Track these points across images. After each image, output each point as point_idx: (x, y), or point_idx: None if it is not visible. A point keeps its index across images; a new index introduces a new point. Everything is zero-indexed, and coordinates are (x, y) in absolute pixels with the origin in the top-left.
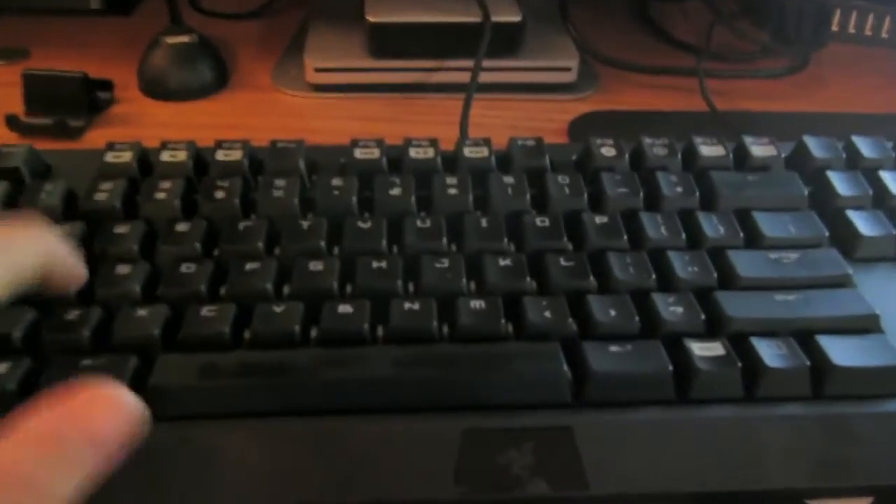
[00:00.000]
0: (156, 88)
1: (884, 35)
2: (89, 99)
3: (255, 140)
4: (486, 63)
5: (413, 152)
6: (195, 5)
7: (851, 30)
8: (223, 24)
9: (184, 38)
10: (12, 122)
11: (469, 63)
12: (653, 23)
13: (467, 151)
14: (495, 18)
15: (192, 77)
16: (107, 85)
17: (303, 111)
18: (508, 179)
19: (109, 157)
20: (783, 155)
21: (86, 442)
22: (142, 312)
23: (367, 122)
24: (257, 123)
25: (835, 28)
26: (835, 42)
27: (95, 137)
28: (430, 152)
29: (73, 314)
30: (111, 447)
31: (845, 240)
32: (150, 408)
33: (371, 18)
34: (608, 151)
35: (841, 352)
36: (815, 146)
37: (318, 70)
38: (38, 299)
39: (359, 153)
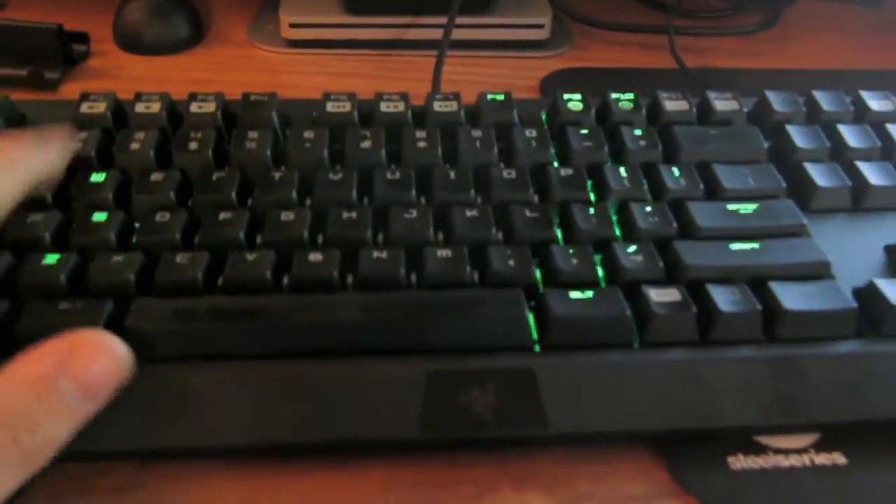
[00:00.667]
0: (131, 42)
1: None
2: (64, 51)
3: (231, 95)
4: (460, 20)
5: (384, 106)
6: None
7: None
8: None
9: None
10: None
11: (443, 20)
12: None
13: (437, 106)
14: None
15: (167, 31)
16: (82, 37)
17: (278, 66)
18: (477, 133)
19: (84, 108)
20: (745, 109)
21: (78, 388)
22: (117, 258)
23: (341, 78)
24: (232, 78)
25: None
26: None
27: (71, 90)
28: (401, 106)
29: (50, 260)
30: (101, 393)
31: (802, 191)
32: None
33: None
34: (575, 106)
35: (792, 297)
36: (776, 101)
37: (293, 26)
38: (15, 243)
39: (330, 106)
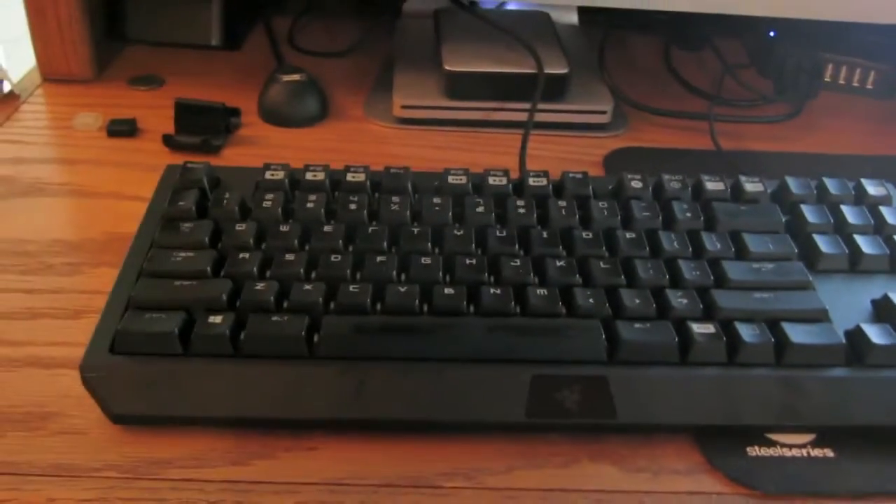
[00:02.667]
0: (273, 116)
1: (869, 86)
2: (225, 123)
3: (353, 161)
4: (539, 106)
5: (491, 179)
6: (292, 43)
7: (842, 81)
8: (315, 60)
9: (296, 77)
10: (168, 140)
11: (525, 105)
12: (674, 71)
13: (531, 181)
14: (547, 70)
15: (302, 109)
16: (236, 112)
17: (389, 139)
18: (562, 203)
19: (268, 175)
20: (769, 190)
21: None
22: (307, 287)
23: (441, 151)
24: (353, 148)
25: (827, 79)
26: (827, 91)
27: (230, 154)
28: (504, 180)
29: (261, 285)
30: None
31: (811, 256)
32: (320, 351)
33: (448, 67)
34: (636, 184)
35: (797, 333)
36: (794, 184)
37: (404, 107)
38: (230, 275)
39: (450, 178)
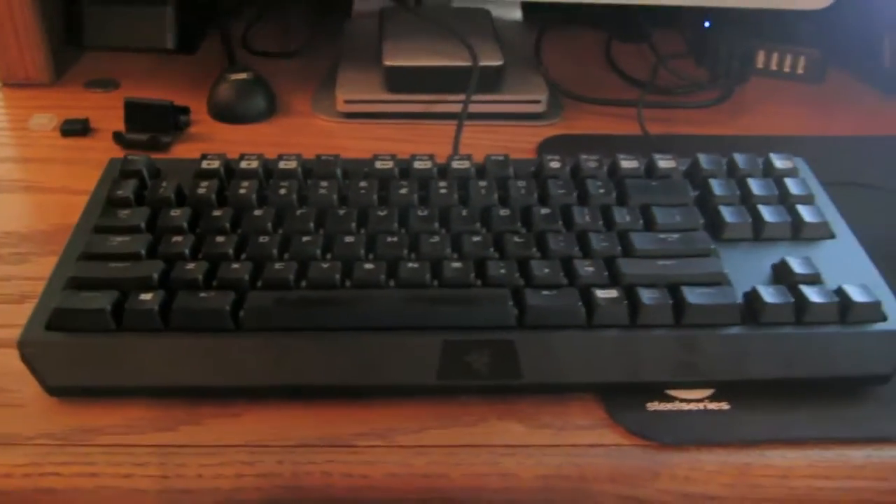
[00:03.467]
0: (222, 114)
1: (800, 72)
2: (174, 121)
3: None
4: (475, 97)
5: (417, 164)
6: (246, 45)
7: (773, 67)
8: (268, 61)
9: (243, 75)
10: (118, 137)
11: (463, 97)
12: (613, 62)
13: (454, 164)
14: (482, 63)
15: (250, 106)
16: (185, 110)
17: (334, 133)
18: (483, 184)
19: (204, 164)
20: (682, 168)
21: None
22: (235, 265)
23: (382, 142)
24: (300, 141)
25: (760, 66)
26: (760, 78)
27: (179, 150)
28: (429, 164)
29: (191, 265)
30: None
31: (717, 226)
32: (244, 323)
33: (387, 62)
34: (555, 164)
35: (695, 295)
36: (705, 161)
37: (346, 101)
38: (164, 256)
39: (378, 164)
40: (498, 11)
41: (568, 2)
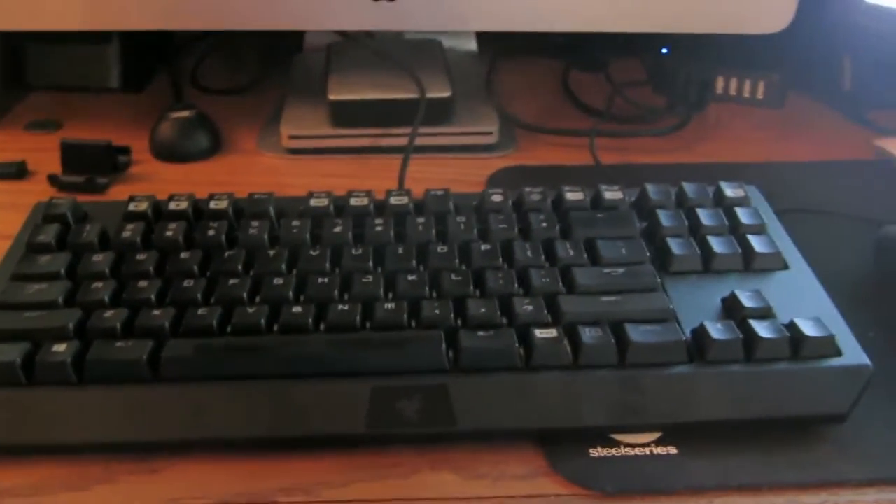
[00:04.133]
0: (163, 153)
1: (759, 96)
2: (112, 162)
3: (242, 193)
4: (423, 130)
5: (353, 201)
6: (195, 83)
7: (732, 93)
8: (218, 99)
9: (185, 113)
10: (53, 179)
11: (410, 130)
12: (570, 92)
13: (392, 199)
14: (429, 95)
15: (192, 144)
16: (125, 150)
17: (279, 170)
18: (421, 220)
19: (131, 206)
20: (629, 198)
21: None
22: (156, 312)
23: (329, 178)
24: (243, 180)
25: (719, 92)
26: (719, 104)
27: (117, 192)
28: (366, 200)
29: (109, 313)
30: None
31: (664, 258)
32: (163, 374)
33: (332, 96)
34: (497, 198)
35: (638, 333)
36: (652, 191)
37: (291, 137)
38: (82, 304)
39: (313, 202)
40: (452, 42)
41: (522, 31)
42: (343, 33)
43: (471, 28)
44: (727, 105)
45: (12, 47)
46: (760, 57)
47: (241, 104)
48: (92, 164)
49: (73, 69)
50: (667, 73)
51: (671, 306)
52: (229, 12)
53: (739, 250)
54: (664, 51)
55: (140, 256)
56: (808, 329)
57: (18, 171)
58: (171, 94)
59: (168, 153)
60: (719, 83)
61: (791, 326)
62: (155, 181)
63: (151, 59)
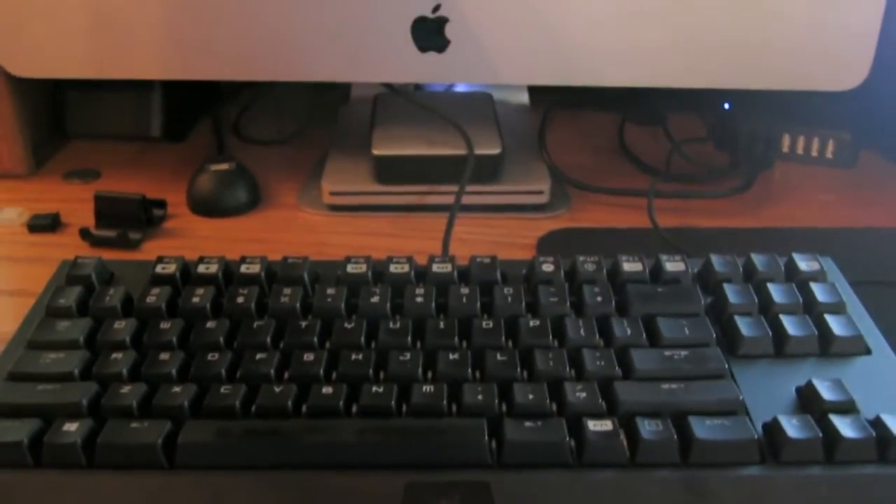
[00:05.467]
0: (201, 207)
1: (829, 156)
2: (146, 216)
3: (279, 251)
4: (471, 188)
5: (392, 267)
6: (238, 132)
7: (800, 151)
8: (260, 149)
9: (224, 166)
10: (85, 234)
11: (456, 188)
12: (626, 148)
13: (435, 267)
14: (478, 151)
15: (230, 198)
16: (161, 204)
17: (319, 227)
18: (465, 290)
19: (158, 269)
20: (692, 270)
21: None
22: (176, 389)
23: (371, 237)
24: (282, 237)
25: (785, 150)
26: (785, 163)
27: (151, 248)
28: (406, 267)
29: (126, 388)
30: None
31: (732, 340)
32: (179, 460)
33: (376, 151)
34: (548, 267)
35: (704, 428)
36: (718, 262)
37: (332, 193)
38: (98, 377)
39: (350, 268)
40: (503, 95)
41: (576, 85)
42: (389, 85)
43: (522, 82)
44: (794, 165)
45: (53, 95)
46: (830, 113)
47: (285, 155)
48: (126, 218)
49: (114, 117)
50: (729, 128)
51: (740, 397)
52: (274, 62)
53: (816, 332)
54: (727, 106)
55: (164, 325)
56: None
57: (52, 224)
58: (212, 144)
59: (205, 208)
60: (786, 141)
61: (877, 424)
62: (190, 237)
63: (195, 107)
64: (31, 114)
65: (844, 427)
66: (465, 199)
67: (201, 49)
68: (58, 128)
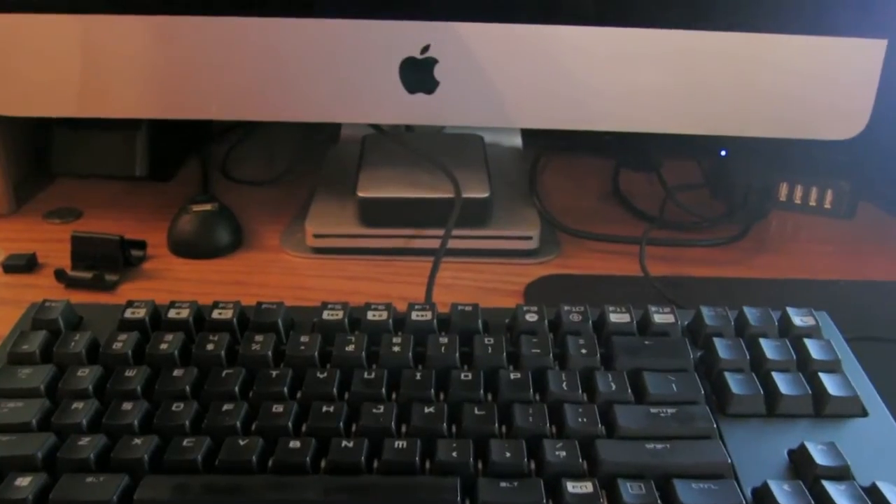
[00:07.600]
0: (181, 248)
1: (827, 206)
2: (124, 257)
3: (257, 294)
4: (458, 232)
5: (370, 314)
6: (225, 172)
7: (797, 200)
8: (247, 189)
9: (207, 207)
10: (60, 275)
11: (443, 232)
12: (620, 193)
13: (414, 314)
14: (466, 194)
15: (211, 239)
16: (141, 244)
17: (301, 270)
18: (444, 339)
19: (128, 313)
20: (682, 322)
21: None
22: (136, 441)
23: (354, 281)
24: (261, 280)
25: (781, 199)
26: (782, 212)
27: (127, 290)
28: (384, 315)
29: (84, 440)
30: None
31: (722, 397)
32: None
33: (361, 193)
34: (531, 317)
35: (690, 493)
36: (708, 315)
37: (316, 235)
38: (57, 428)
39: (326, 314)
40: (495, 137)
41: (570, 129)
42: (378, 126)
43: (514, 125)
44: (791, 214)
45: (38, 133)
46: (828, 162)
47: (272, 196)
48: (103, 259)
49: (99, 157)
50: (725, 176)
51: (729, 460)
52: (262, 102)
53: (810, 391)
54: (723, 153)
55: (129, 373)
56: (894, 497)
57: (28, 264)
58: (198, 185)
59: (185, 249)
60: (782, 190)
61: (872, 491)
62: (168, 279)
63: (184, 146)
64: (14, 152)
65: (838, 495)
66: (452, 244)
67: (188, 88)
68: (42, 166)
